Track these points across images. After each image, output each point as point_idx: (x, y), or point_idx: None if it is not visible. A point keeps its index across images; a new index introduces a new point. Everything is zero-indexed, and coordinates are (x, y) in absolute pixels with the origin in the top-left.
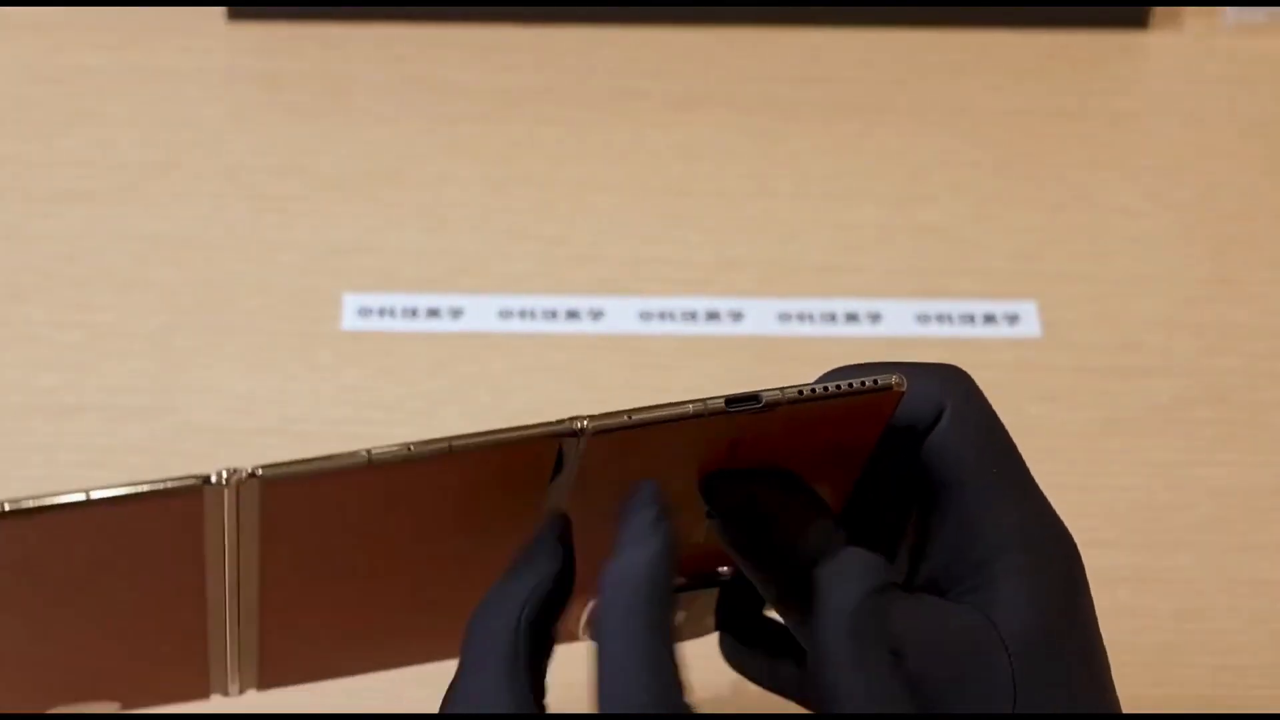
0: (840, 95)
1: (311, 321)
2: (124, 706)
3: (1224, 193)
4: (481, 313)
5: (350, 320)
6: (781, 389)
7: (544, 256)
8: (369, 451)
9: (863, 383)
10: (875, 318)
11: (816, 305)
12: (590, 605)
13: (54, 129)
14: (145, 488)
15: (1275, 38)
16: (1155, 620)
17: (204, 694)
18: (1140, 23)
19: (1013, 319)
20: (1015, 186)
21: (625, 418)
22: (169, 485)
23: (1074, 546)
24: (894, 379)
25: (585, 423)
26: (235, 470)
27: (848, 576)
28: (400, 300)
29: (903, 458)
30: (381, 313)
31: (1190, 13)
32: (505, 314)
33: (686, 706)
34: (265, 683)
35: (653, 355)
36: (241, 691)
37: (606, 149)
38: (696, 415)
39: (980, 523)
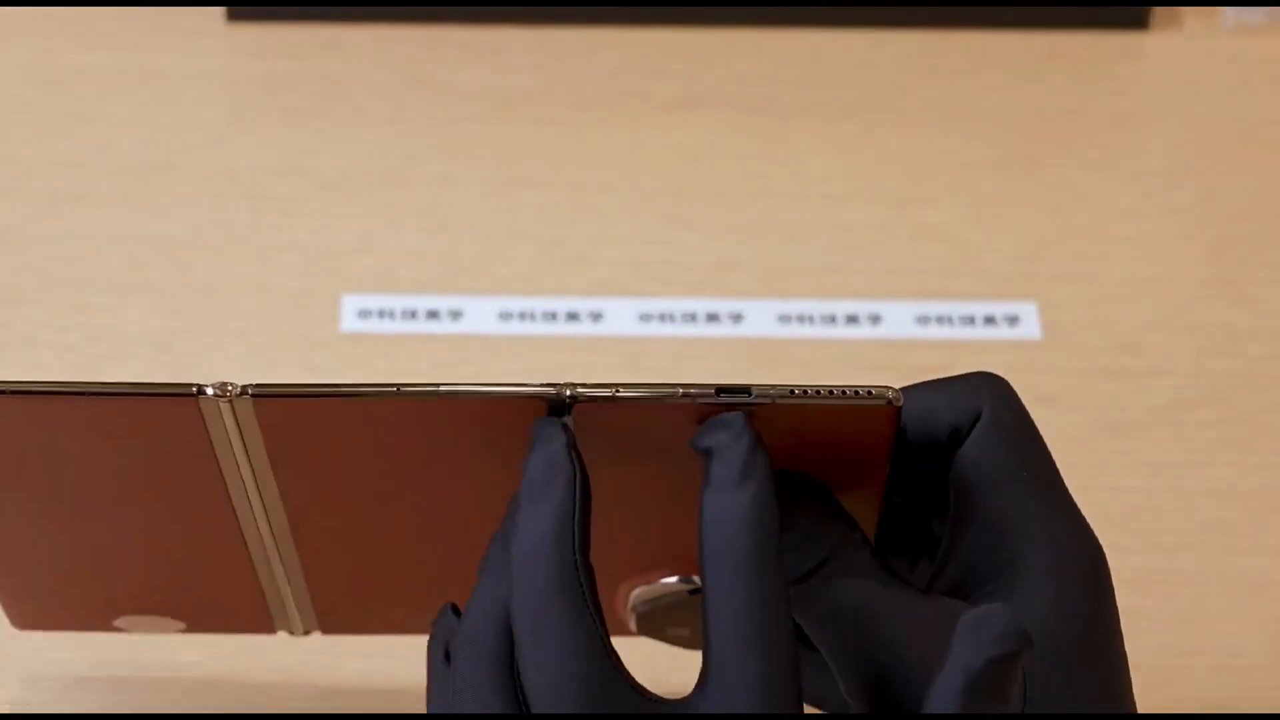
0: (840, 96)
1: (311, 323)
2: (189, 627)
3: (1224, 194)
4: (481, 314)
5: (350, 322)
6: (774, 386)
7: (544, 258)
8: (355, 386)
9: (856, 390)
10: (875, 319)
11: (816, 307)
12: (636, 591)
13: (53, 130)
14: (143, 390)
15: (1275, 38)
16: (1156, 623)
17: (269, 628)
18: (1140, 24)
19: (1013, 320)
20: (1015, 187)
21: (612, 391)
22: (164, 391)
23: (1100, 550)
24: (891, 393)
25: (573, 390)
26: (227, 385)
27: (978, 635)
28: (400, 302)
29: (939, 465)
30: (381, 314)
31: (1190, 13)
32: (505, 316)
33: (797, 677)
34: (328, 627)
35: (652, 357)
36: (307, 632)
37: (606, 150)
38: (685, 398)
39: (1007, 524)
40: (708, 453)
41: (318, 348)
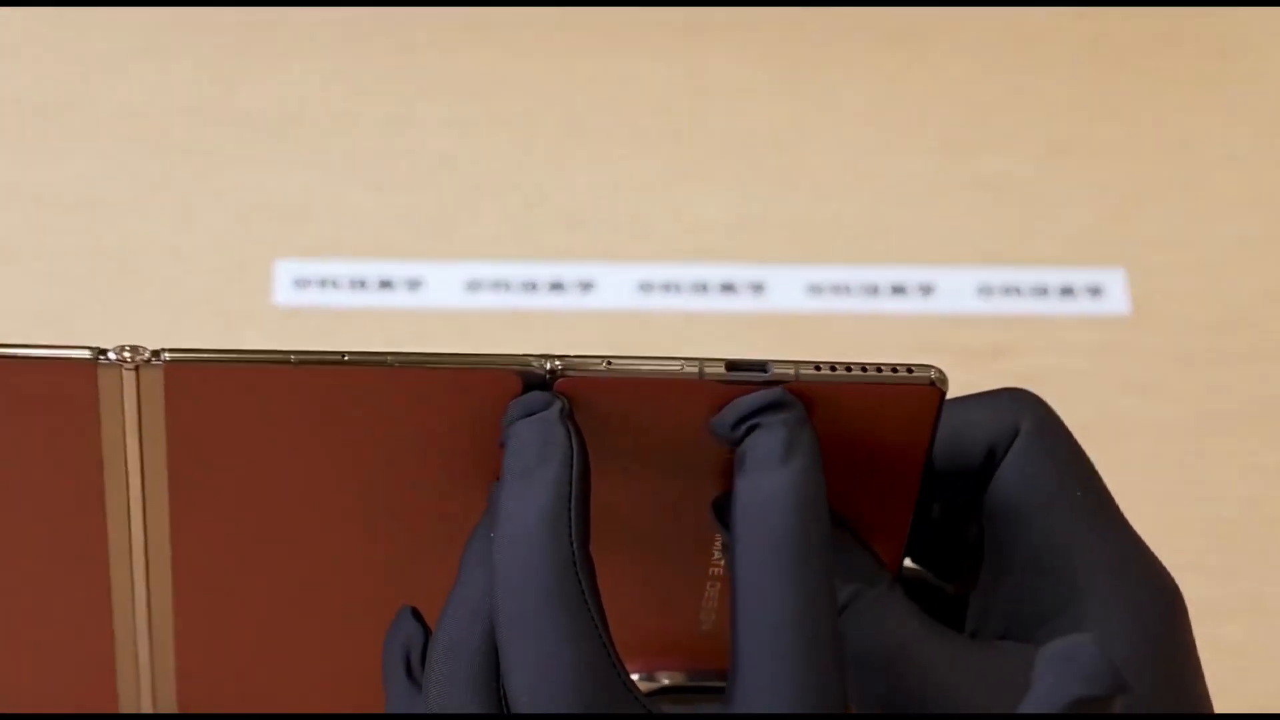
0: (883, 19)
1: (237, 295)
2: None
3: None
4: (445, 284)
5: (284, 293)
6: (796, 362)
7: (521, 215)
8: (293, 354)
9: (894, 369)
10: (927, 290)
11: (855, 275)
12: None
13: None
14: (33, 351)
15: None
16: (1269, 660)
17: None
18: None
19: (1095, 291)
20: (1098, 130)
21: (603, 364)
22: (58, 354)
23: (1173, 584)
24: (934, 372)
25: (556, 363)
26: (137, 349)
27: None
28: (346, 269)
29: (973, 489)
30: (323, 284)
31: None
32: (474, 286)
33: (842, 682)
34: (189, 702)
35: (654, 335)
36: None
37: (598, 84)
38: (689, 375)
39: (1064, 557)
40: (739, 432)
41: (245, 324)
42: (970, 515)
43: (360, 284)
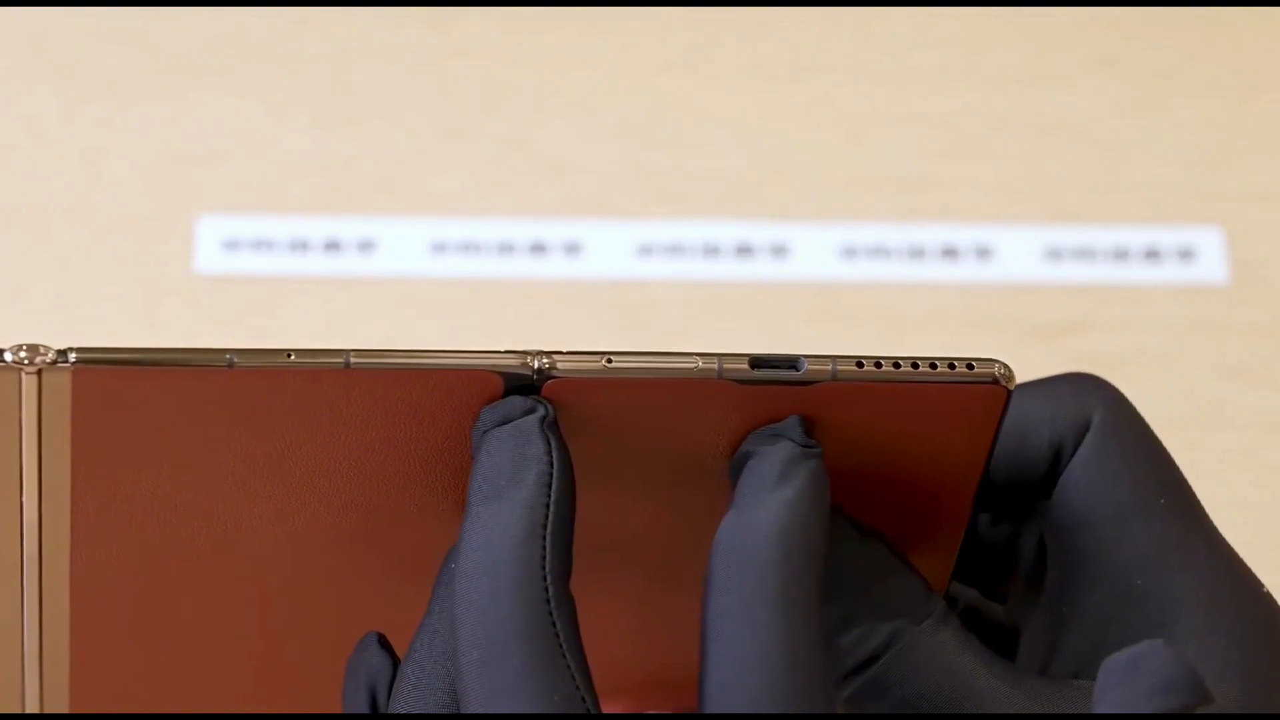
0: None
1: (150, 260)
2: None
3: None
4: (405, 245)
5: (209, 257)
6: (833, 357)
7: (496, 163)
8: (230, 354)
9: (951, 364)
10: (984, 253)
11: (896, 235)
12: None
13: None
14: None
15: None
16: None
17: None
18: None
19: (1186, 255)
20: (1187, 65)
21: (603, 362)
22: None
23: (1275, 607)
24: (998, 368)
25: (544, 360)
26: (37, 349)
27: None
28: (283, 226)
29: (1033, 495)
30: (257, 245)
31: None
32: (439, 248)
33: (830, 708)
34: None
35: (655, 308)
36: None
37: (586, 12)
38: (704, 375)
39: (1150, 577)
40: (740, 464)
41: (161, 295)
42: (1028, 525)
43: (302, 245)
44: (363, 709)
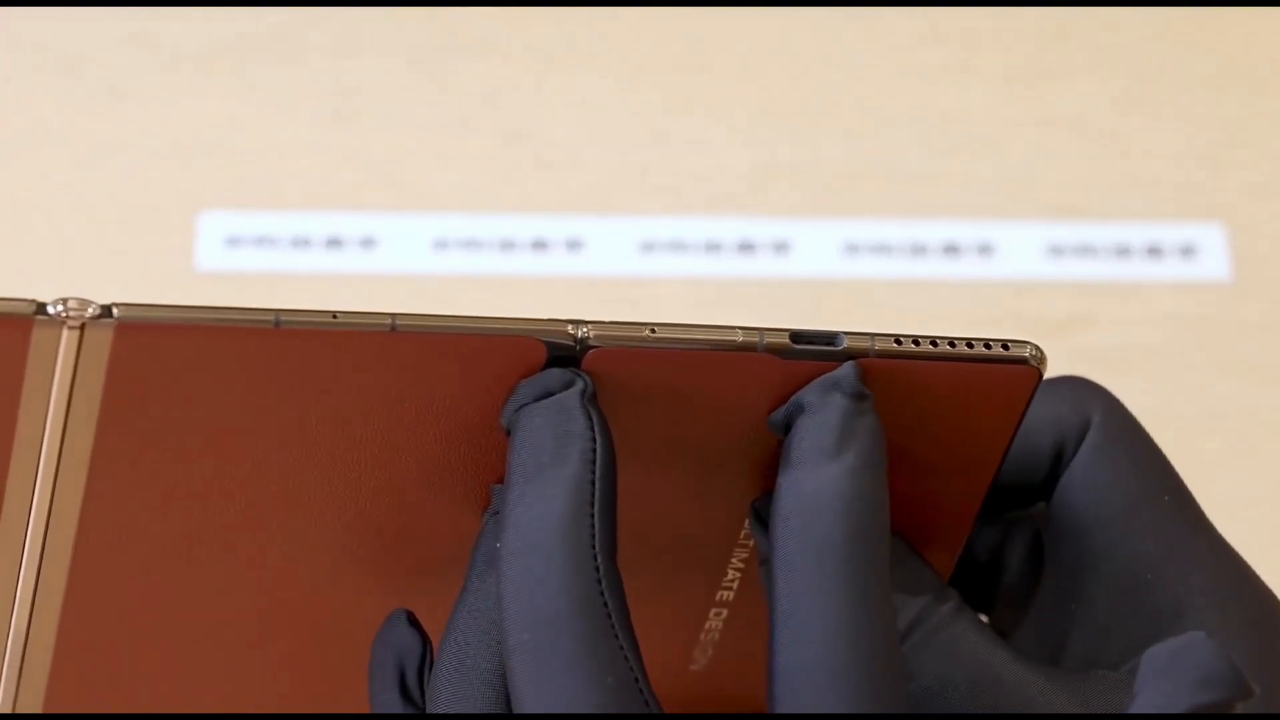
0: None
1: (152, 255)
2: None
3: None
4: (405, 242)
5: (210, 254)
6: (871, 334)
7: (498, 160)
8: (277, 314)
9: (987, 344)
10: (986, 250)
11: (898, 231)
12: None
13: None
14: None
15: None
16: None
17: None
18: None
19: (1188, 251)
20: (1191, 59)
21: (646, 331)
22: None
23: (1277, 600)
24: (1030, 350)
25: (586, 330)
26: (83, 303)
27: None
28: (285, 223)
29: (1031, 497)
30: (259, 242)
31: None
32: (440, 245)
33: (901, 694)
34: (58, 696)
35: (658, 304)
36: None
37: (587, 10)
38: (746, 347)
39: (1159, 575)
40: (784, 416)
41: (163, 292)
42: (1016, 534)
43: (304, 242)
44: (392, 688)
